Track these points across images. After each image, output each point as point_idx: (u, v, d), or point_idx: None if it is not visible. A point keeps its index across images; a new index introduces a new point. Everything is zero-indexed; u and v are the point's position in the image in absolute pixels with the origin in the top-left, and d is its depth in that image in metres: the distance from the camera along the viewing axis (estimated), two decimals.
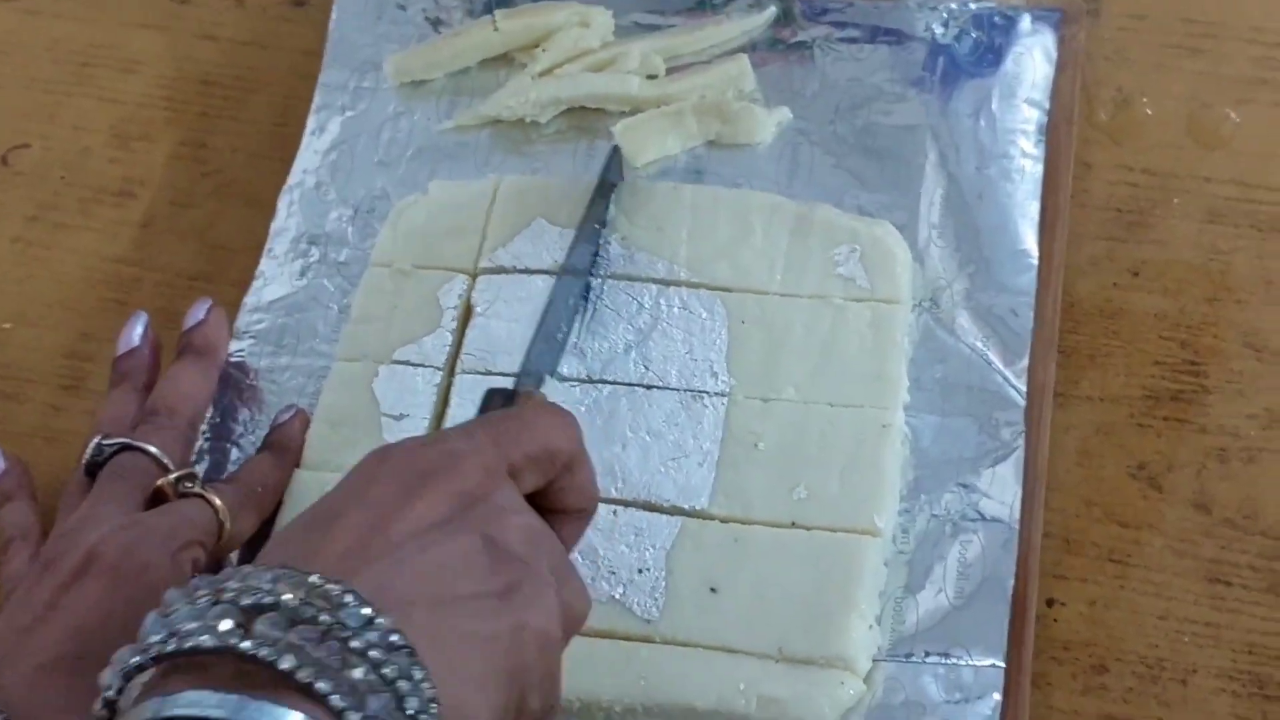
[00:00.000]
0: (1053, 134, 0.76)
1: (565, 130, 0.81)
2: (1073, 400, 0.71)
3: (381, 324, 0.73)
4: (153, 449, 0.65)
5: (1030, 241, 0.73)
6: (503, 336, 0.72)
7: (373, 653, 0.42)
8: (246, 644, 0.41)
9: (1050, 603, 0.66)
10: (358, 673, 0.42)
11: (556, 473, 0.55)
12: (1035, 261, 0.72)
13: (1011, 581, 0.64)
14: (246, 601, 0.43)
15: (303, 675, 0.41)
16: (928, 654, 0.63)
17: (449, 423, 0.70)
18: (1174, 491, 0.68)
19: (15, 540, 0.67)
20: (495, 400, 0.61)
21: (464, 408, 0.70)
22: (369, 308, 0.74)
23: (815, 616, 0.63)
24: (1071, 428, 0.70)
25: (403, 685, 0.42)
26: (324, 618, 0.42)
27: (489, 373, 0.71)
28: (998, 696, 0.61)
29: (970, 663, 0.62)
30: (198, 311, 0.73)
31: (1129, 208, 0.76)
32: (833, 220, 0.73)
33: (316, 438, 0.70)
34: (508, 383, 0.68)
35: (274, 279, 0.77)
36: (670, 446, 0.68)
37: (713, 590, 0.64)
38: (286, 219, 0.79)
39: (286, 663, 0.41)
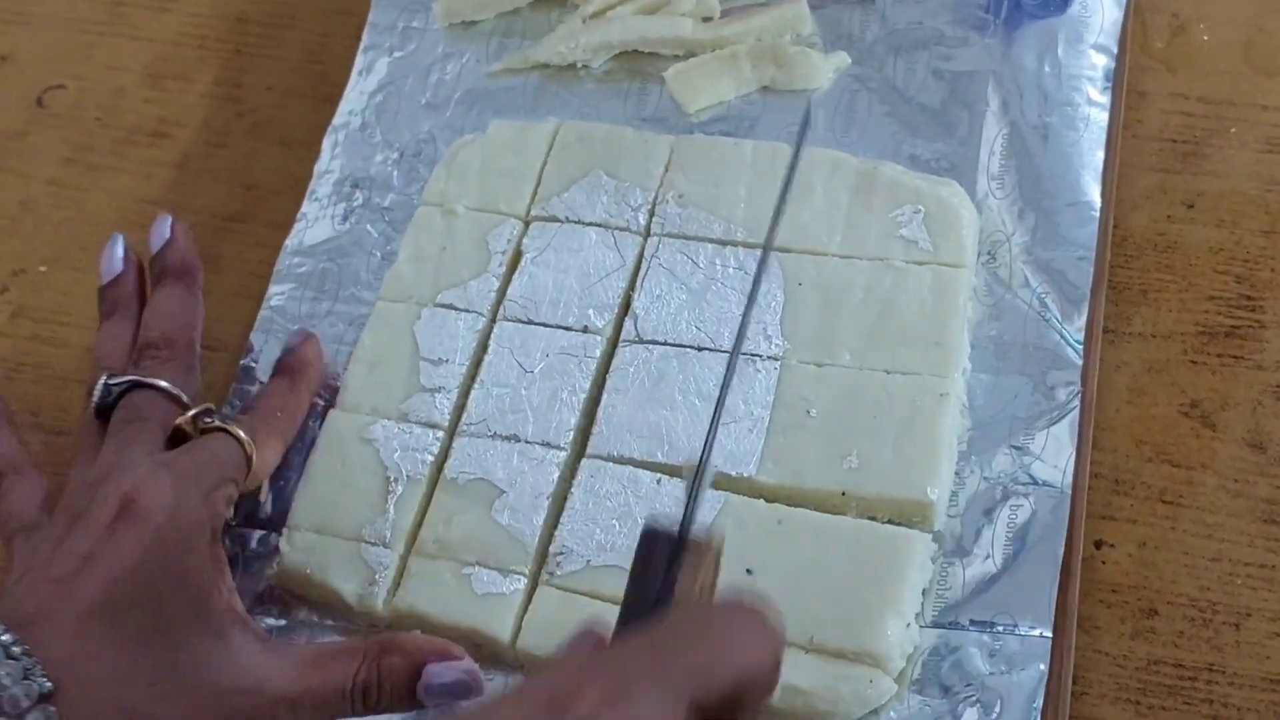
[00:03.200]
0: None
1: (616, 73, 0.79)
2: (1124, 337, 0.69)
3: (429, 264, 0.72)
4: (164, 384, 0.64)
5: (1093, 192, 0.70)
6: (549, 286, 0.70)
7: None
8: None
9: (1099, 544, 0.65)
10: None
11: (741, 707, 0.44)
12: (1097, 213, 0.69)
13: (1062, 549, 0.62)
14: None
15: None
16: (972, 622, 0.61)
17: (485, 370, 0.68)
18: (1228, 430, 0.67)
19: (8, 475, 0.65)
20: (658, 550, 0.48)
21: (501, 355, 0.69)
22: (417, 247, 0.73)
23: (852, 610, 0.60)
24: (1122, 365, 0.68)
25: None
26: None
27: (530, 322, 0.69)
28: (1043, 667, 0.60)
29: (1016, 633, 0.60)
30: (162, 230, 0.70)
31: (1184, 138, 0.74)
32: (897, 179, 0.71)
33: (354, 378, 0.70)
34: (548, 337, 0.67)
35: (316, 221, 0.76)
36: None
37: (748, 572, 0.62)
38: (330, 160, 0.78)
39: None
